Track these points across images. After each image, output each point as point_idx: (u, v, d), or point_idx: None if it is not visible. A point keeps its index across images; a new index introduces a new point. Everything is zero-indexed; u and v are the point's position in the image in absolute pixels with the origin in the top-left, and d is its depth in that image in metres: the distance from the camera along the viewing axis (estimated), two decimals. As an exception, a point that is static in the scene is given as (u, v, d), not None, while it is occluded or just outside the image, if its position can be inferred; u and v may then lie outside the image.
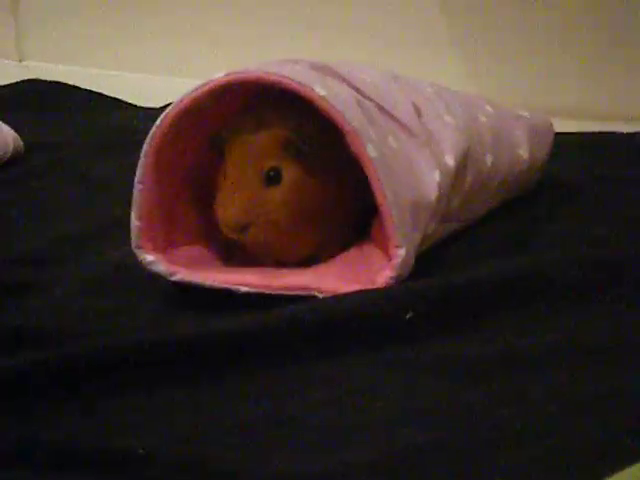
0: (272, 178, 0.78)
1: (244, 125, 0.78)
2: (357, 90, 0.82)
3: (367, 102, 0.81)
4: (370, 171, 0.76)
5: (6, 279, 0.84)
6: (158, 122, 0.78)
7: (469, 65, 1.39)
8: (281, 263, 0.82)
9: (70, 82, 1.47)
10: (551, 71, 1.34)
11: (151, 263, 0.79)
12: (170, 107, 0.78)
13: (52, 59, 1.62)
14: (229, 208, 0.77)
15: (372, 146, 0.76)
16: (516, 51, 1.36)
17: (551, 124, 1.00)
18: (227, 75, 0.77)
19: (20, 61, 1.67)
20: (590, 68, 1.32)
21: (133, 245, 0.79)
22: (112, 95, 1.44)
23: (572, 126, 1.18)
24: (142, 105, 1.41)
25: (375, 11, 1.41)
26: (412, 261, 0.78)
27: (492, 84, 1.37)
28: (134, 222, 0.79)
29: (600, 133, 1.20)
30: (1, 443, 0.60)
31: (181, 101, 0.78)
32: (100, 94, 1.44)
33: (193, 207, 0.83)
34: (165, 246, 0.80)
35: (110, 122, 1.33)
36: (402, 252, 0.76)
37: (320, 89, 0.76)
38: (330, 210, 0.80)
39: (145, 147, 0.78)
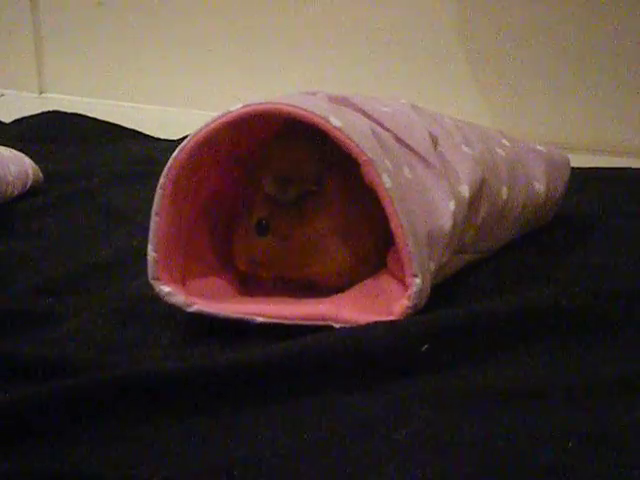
0: (261, 229, 0.80)
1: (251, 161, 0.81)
2: (374, 120, 0.83)
3: (384, 132, 0.82)
4: (386, 201, 0.76)
5: (25, 309, 0.84)
6: (175, 154, 0.78)
7: (484, 99, 1.39)
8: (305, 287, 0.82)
9: (89, 114, 1.48)
10: (567, 105, 1.35)
11: (168, 294, 0.79)
12: (187, 139, 0.78)
13: (72, 91, 1.64)
14: (235, 252, 0.81)
15: (387, 176, 0.77)
16: (532, 86, 1.36)
17: (568, 159, 1.00)
18: (244, 107, 0.78)
19: (41, 93, 1.68)
20: (606, 103, 1.32)
21: (150, 277, 0.79)
22: (130, 127, 1.45)
23: (587, 161, 1.19)
24: (160, 137, 1.42)
25: (389, 43, 1.42)
26: (428, 290, 0.78)
27: (508, 119, 1.37)
28: (150, 253, 0.79)
29: (615, 168, 1.21)
30: (21, 475, 0.60)
31: (198, 133, 0.78)
32: (119, 126, 1.45)
33: (210, 237, 0.84)
34: (182, 277, 0.80)
35: (129, 153, 1.33)
36: (418, 281, 0.76)
37: (335, 120, 0.77)
38: (353, 236, 0.81)
39: (162, 179, 0.78)
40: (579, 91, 1.34)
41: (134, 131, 1.44)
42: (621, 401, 0.67)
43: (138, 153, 1.33)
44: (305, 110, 0.77)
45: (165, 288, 0.79)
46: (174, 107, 1.56)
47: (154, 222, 0.79)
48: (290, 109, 0.77)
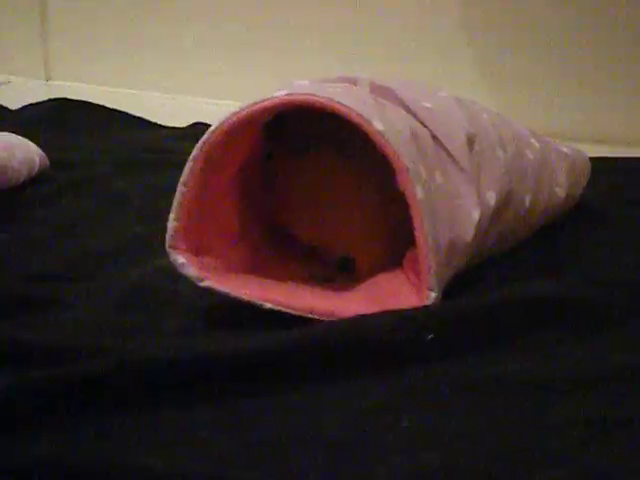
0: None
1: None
2: (414, 115, 0.83)
3: (422, 130, 0.82)
4: (415, 212, 0.76)
5: (29, 295, 0.84)
6: (212, 128, 0.78)
7: (491, 93, 1.39)
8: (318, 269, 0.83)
9: (96, 101, 1.48)
10: (575, 97, 1.34)
11: (182, 265, 0.78)
12: (227, 116, 0.78)
13: (78, 79, 1.64)
14: None
15: (420, 187, 0.77)
16: (546, 76, 1.36)
17: (588, 161, 1.01)
18: (287, 95, 0.78)
19: (47, 80, 1.68)
20: (621, 94, 1.32)
21: (167, 244, 0.78)
22: (137, 114, 1.45)
23: (597, 151, 1.18)
24: (167, 124, 1.42)
25: (396, 39, 1.42)
26: (439, 298, 0.78)
27: (515, 111, 1.37)
28: (172, 222, 0.78)
29: (633, 159, 1.20)
30: (17, 461, 0.59)
31: (239, 112, 0.78)
32: (125, 113, 1.45)
33: (232, 213, 0.83)
34: (198, 250, 0.80)
35: (135, 141, 1.34)
36: (433, 296, 0.77)
37: (378, 123, 0.76)
38: (368, 215, 0.82)
39: (195, 151, 0.78)
40: (589, 81, 1.34)
41: (140, 118, 1.44)
42: (628, 390, 0.67)
43: (144, 141, 1.33)
44: (349, 108, 0.76)
45: (180, 258, 0.78)
46: (181, 95, 1.56)
47: (180, 192, 0.78)
48: (334, 105, 0.76)
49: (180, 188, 0.78)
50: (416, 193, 0.76)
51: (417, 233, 0.77)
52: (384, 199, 0.82)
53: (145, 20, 1.60)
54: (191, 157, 0.78)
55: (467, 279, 0.84)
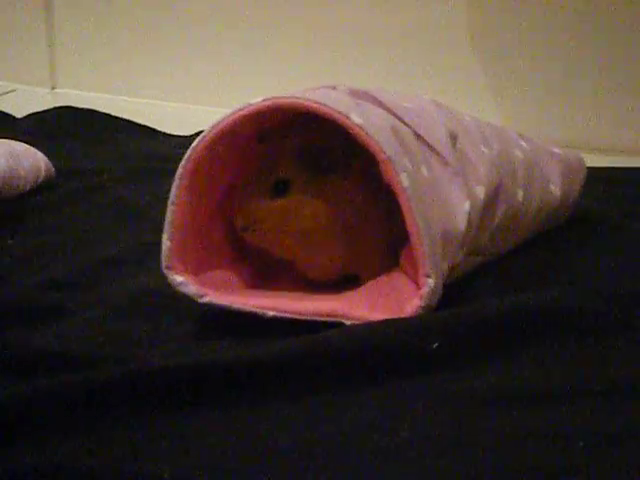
0: (278, 190, 0.79)
1: (275, 136, 0.80)
2: (395, 115, 0.83)
3: (403, 128, 0.82)
4: (403, 200, 0.76)
5: (37, 303, 0.84)
6: (194, 144, 0.78)
7: (496, 99, 1.39)
8: (317, 283, 0.82)
9: (101, 109, 1.48)
10: (578, 105, 1.35)
11: (180, 284, 0.79)
12: (207, 130, 0.78)
13: (84, 87, 1.65)
14: (236, 210, 0.80)
15: (405, 175, 0.77)
16: (547, 85, 1.36)
17: (583, 161, 1.00)
18: (264, 100, 0.78)
19: (53, 88, 1.69)
20: (622, 102, 1.32)
21: (163, 265, 0.79)
22: (143, 123, 1.46)
23: (598, 161, 1.18)
24: (172, 133, 1.42)
25: (400, 44, 1.42)
26: (440, 290, 0.78)
27: (519, 118, 1.37)
28: (165, 242, 0.79)
29: (630, 169, 1.20)
30: (24, 468, 0.60)
31: (218, 124, 0.78)
32: (131, 122, 1.45)
33: (226, 229, 0.83)
34: (196, 268, 0.80)
35: (140, 149, 1.34)
36: (431, 281, 0.76)
37: (356, 117, 0.77)
38: (362, 229, 0.81)
39: (180, 169, 0.79)
40: (590, 90, 1.34)
41: (146, 127, 1.44)
42: (631, 402, 0.67)
43: (150, 149, 1.33)
44: (326, 106, 0.77)
45: (178, 278, 0.79)
46: (186, 103, 1.56)
47: (170, 211, 0.79)
48: (311, 104, 0.77)
49: (170, 207, 0.79)
50: (401, 180, 0.76)
51: (408, 222, 0.76)
52: (387, 216, 0.82)
53: (150, 28, 1.60)
54: (177, 175, 0.78)
55: (467, 286, 0.84)
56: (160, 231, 0.80)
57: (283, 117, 0.81)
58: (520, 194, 0.89)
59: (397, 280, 0.81)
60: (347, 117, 0.76)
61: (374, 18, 1.45)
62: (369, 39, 1.45)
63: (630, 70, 1.33)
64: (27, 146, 1.17)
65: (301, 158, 0.79)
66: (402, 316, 0.77)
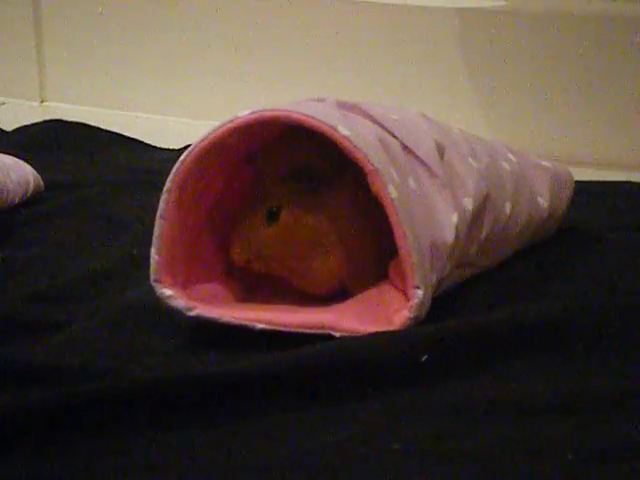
0: (271, 216, 0.80)
1: (263, 158, 0.80)
2: (382, 127, 0.83)
3: (391, 139, 0.82)
4: (390, 211, 0.77)
5: (25, 317, 0.84)
6: (182, 158, 0.78)
7: (484, 112, 1.40)
8: (308, 295, 0.82)
9: (91, 123, 1.48)
10: (565, 119, 1.35)
11: (169, 298, 0.79)
12: (194, 143, 0.79)
13: (73, 100, 1.64)
14: (233, 244, 0.80)
15: (393, 187, 0.77)
16: (535, 99, 1.37)
17: (571, 175, 1.01)
18: (251, 113, 0.78)
19: (42, 102, 1.69)
20: (605, 117, 1.33)
21: (152, 279, 0.79)
22: (132, 136, 1.46)
23: (586, 174, 1.19)
24: (161, 146, 1.42)
25: (389, 56, 1.43)
26: (429, 302, 0.78)
27: (507, 131, 1.38)
28: (153, 256, 0.79)
29: (618, 182, 1.21)
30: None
31: (205, 138, 0.78)
32: (120, 135, 1.45)
33: (214, 243, 0.83)
34: (184, 282, 0.80)
35: (129, 163, 1.33)
36: (420, 293, 0.77)
37: (343, 129, 0.77)
38: (354, 241, 0.81)
39: (168, 183, 0.79)
40: (578, 105, 1.35)
41: (135, 140, 1.44)
42: (619, 416, 0.67)
43: (139, 162, 1.33)
44: (313, 118, 0.77)
45: (166, 291, 0.79)
46: (176, 117, 1.56)
47: (159, 225, 0.79)
48: (298, 116, 0.77)
49: (158, 222, 0.79)
50: (389, 193, 0.76)
51: (396, 233, 0.77)
52: (375, 228, 0.82)
53: (140, 42, 1.60)
54: (165, 189, 0.79)
55: (456, 298, 0.85)
56: (149, 244, 0.80)
57: (272, 131, 0.81)
58: (508, 207, 0.90)
59: (386, 292, 0.81)
60: (334, 129, 0.77)
61: (364, 32, 1.45)
62: (359, 53, 1.45)
63: (618, 85, 1.33)
64: (16, 159, 1.17)
65: (290, 182, 0.80)
66: (391, 328, 0.77)
